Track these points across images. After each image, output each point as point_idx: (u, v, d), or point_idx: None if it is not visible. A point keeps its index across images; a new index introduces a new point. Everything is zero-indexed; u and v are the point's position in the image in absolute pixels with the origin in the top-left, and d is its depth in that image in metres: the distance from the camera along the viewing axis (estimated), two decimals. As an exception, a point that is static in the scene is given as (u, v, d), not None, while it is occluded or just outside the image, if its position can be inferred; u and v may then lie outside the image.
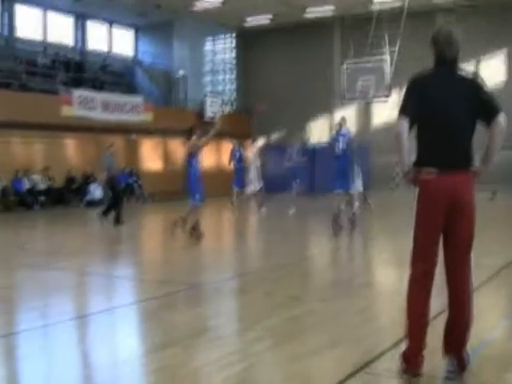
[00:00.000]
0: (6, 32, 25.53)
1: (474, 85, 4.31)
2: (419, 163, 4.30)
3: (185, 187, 12.35)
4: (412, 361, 4.28)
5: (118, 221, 15.19)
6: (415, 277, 4.31)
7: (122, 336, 5.77)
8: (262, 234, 14.71)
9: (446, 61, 4.32)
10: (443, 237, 4.31)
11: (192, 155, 11.99)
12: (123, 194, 15.52)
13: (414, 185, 4.36)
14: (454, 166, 4.21)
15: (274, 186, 22.24)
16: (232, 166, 19.87)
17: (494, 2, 26.66)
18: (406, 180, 4.37)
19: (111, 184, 15.69)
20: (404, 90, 4.44)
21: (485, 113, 4.24)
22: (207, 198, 12.61)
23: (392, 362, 4.52)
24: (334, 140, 13.34)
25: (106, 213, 15.36)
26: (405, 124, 4.23)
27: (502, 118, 4.20)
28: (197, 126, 12.64)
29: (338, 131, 13.35)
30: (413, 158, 4.34)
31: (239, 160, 19.70)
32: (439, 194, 4.19)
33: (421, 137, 4.35)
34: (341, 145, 13.06)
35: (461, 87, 4.28)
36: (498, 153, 4.28)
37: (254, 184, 18.87)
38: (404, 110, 4.28)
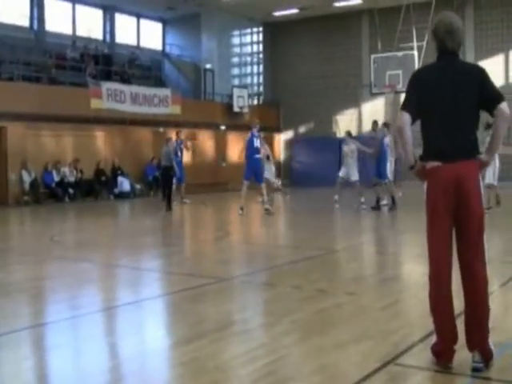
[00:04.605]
0: (35, 26, 25.78)
1: (476, 73, 4.28)
2: (424, 157, 4.31)
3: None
4: (440, 355, 4.29)
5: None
6: (432, 274, 4.30)
7: (149, 328, 5.80)
8: (291, 227, 14.68)
9: (448, 51, 4.31)
10: (455, 230, 4.28)
11: None
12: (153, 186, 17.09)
13: (421, 179, 4.36)
14: (457, 156, 4.19)
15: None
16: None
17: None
18: (413, 173, 4.39)
19: (166, 172, 17.88)
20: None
21: (488, 101, 4.21)
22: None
23: (420, 356, 4.49)
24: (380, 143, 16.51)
25: (168, 206, 17.12)
26: (406, 117, 4.25)
27: (505, 106, 4.16)
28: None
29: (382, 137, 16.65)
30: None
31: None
32: (445, 180, 4.17)
33: (425, 130, 4.36)
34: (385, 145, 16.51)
35: (463, 76, 4.25)
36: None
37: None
38: (405, 105, 4.31)
